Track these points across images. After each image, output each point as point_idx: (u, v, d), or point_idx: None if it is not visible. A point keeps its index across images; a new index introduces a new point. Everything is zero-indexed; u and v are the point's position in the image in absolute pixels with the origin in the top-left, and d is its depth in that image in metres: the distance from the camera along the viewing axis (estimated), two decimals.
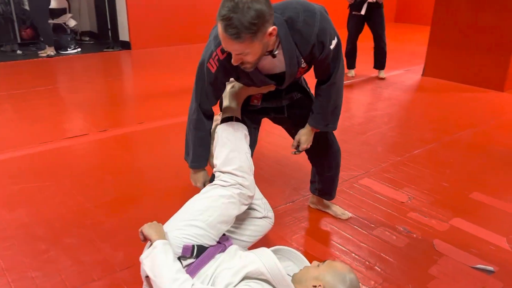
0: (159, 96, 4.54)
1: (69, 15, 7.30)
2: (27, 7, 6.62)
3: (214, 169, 1.72)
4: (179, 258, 1.51)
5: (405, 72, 5.90)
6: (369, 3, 4.99)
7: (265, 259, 1.44)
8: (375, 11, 5.06)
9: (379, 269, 1.95)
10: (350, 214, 2.38)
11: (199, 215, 1.56)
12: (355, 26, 5.24)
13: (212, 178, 1.78)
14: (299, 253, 1.68)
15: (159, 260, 1.43)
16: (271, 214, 1.86)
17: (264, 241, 2.09)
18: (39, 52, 6.55)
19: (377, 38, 5.30)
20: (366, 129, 3.72)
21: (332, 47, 1.70)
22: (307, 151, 2.13)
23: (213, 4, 5.41)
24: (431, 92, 4.97)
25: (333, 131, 2.11)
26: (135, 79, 5.67)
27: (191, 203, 1.64)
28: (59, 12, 7.24)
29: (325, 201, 2.39)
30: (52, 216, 2.30)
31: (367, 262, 2.00)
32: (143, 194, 2.57)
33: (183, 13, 7.07)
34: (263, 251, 1.49)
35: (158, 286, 1.40)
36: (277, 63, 1.68)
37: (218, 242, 1.63)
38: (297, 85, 1.94)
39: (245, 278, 1.44)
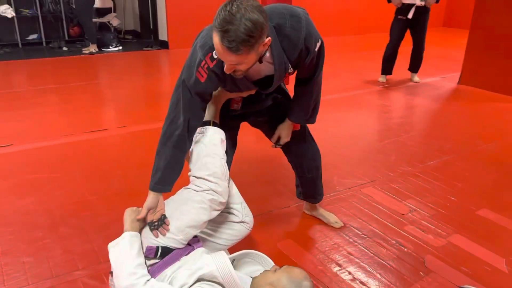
0: None
1: (113, 14, 7.62)
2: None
3: (189, 173, 1.74)
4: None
5: (441, 79, 5.67)
6: (417, 6, 4.85)
7: (219, 263, 1.45)
8: (422, 15, 4.93)
9: (359, 282, 1.91)
10: (342, 223, 2.33)
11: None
12: (399, 32, 5.12)
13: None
14: (268, 258, 1.68)
15: (122, 251, 1.49)
16: (248, 219, 1.86)
17: (248, 244, 2.10)
18: (83, 49, 6.89)
19: (417, 42, 5.17)
20: (384, 136, 3.62)
21: (316, 49, 1.70)
22: (286, 152, 2.15)
23: None
24: (463, 101, 4.75)
25: (310, 133, 2.14)
26: (169, 78, 5.82)
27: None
28: (104, 11, 7.58)
29: (317, 207, 2.37)
30: (54, 206, 2.43)
31: (348, 274, 1.96)
32: (146, 191, 2.64)
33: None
34: (219, 254, 1.50)
35: (117, 277, 1.45)
36: (262, 68, 1.68)
37: (188, 244, 1.66)
38: (278, 88, 1.93)
39: (199, 279, 1.46)
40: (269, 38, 1.47)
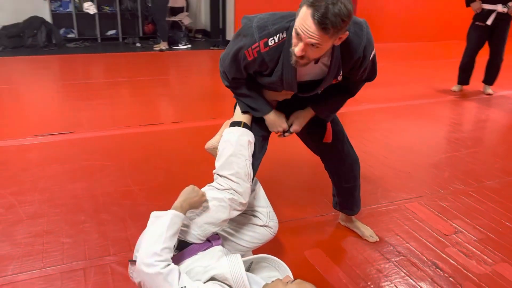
0: None
1: (186, 13, 7.90)
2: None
3: (214, 170, 1.76)
4: None
5: None
6: (498, 13, 4.54)
7: (232, 266, 1.45)
8: (502, 22, 4.60)
9: None
10: (377, 238, 2.23)
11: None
12: (476, 39, 4.82)
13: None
14: (285, 265, 1.65)
15: (160, 228, 1.47)
16: (272, 223, 1.84)
17: (275, 248, 2.09)
18: (154, 46, 7.22)
19: (495, 52, 4.83)
20: (441, 150, 3.41)
21: (371, 58, 1.67)
22: (323, 159, 2.08)
23: None
24: None
25: (349, 141, 2.06)
26: (215, 79, 5.93)
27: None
28: (177, 10, 7.89)
29: (354, 219, 2.29)
30: (100, 193, 2.57)
31: None
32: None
33: None
34: (234, 257, 1.50)
35: (142, 248, 1.43)
36: (313, 70, 1.64)
37: (208, 240, 1.67)
38: (316, 96, 1.86)
39: (212, 278, 1.47)
40: (347, 32, 1.45)
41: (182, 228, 1.61)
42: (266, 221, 1.82)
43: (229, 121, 1.90)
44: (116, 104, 4.28)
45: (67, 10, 7.32)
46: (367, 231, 2.25)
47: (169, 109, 4.33)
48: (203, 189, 1.72)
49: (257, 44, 1.55)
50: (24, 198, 2.49)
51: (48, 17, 7.19)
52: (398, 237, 2.27)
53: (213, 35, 8.10)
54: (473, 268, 2.04)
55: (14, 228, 2.21)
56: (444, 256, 2.12)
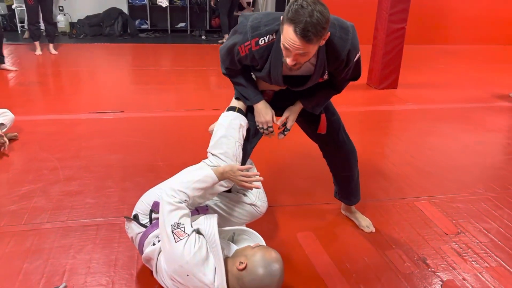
0: None
1: (251, 8, 8.14)
2: None
3: (207, 149, 1.93)
4: (151, 211, 1.81)
5: None
6: None
7: (207, 222, 1.62)
8: None
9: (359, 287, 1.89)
10: (373, 229, 2.29)
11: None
12: None
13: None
14: (261, 238, 1.79)
15: (190, 176, 1.69)
16: (260, 203, 1.96)
17: (272, 227, 2.24)
18: (219, 40, 7.55)
19: None
20: (472, 153, 3.30)
21: (355, 60, 1.78)
22: (321, 148, 2.18)
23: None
24: None
25: (345, 131, 2.14)
26: None
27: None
28: (244, 5, 8.16)
29: (353, 209, 2.36)
30: (130, 164, 2.87)
31: (352, 278, 1.94)
32: None
33: (354, 15, 7.13)
34: (210, 216, 1.66)
35: (173, 181, 1.70)
36: (302, 67, 1.75)
37: (196, 210, 1.85)
38: (311, 90, 1.96)
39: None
40: (329, 33, 1.59)
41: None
42: (255, 200, 1.95)
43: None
44: (168, 90, 4.62)
45: (142, 2, 7.90)
46: (364, 222, 2.31)
47: (215, 97, 4.58)
48: (198, 165, 1.90)
49: (249, 42, 1.70)
50: (66, 163, 2.85)
51: (125, 9, 7.81)
52: (396, 230, 2.30)
53: None
54: (464, 268, 2.03)
55: (52, 187, 2.57)
56: (436, 253, 2.12)
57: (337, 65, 1.75)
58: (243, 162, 1.95)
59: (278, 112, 2.05)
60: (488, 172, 3.01)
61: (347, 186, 2.25)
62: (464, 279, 1.95)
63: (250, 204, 1.95)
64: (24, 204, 2.38)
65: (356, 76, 1.91)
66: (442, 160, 3.17)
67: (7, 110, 3.17)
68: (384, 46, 4.70)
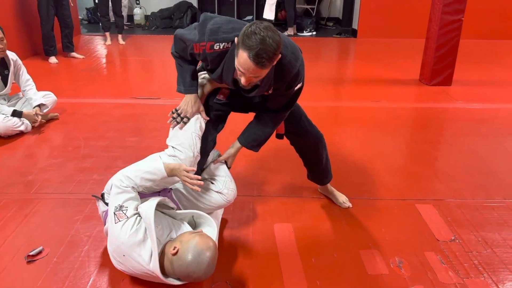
0: (340, 83, 4.74)
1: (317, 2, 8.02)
2: None
3: (166, 141, 1.97)
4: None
5: None
6: None
7: (145, 208, 1.69)
8: None
9: (319, 284, 1.83)
10: (350, 204, 2.35)
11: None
12: None
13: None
14: (214, 222, 1.83)
15: (142, 166, 1.79)
16: (227, 191, 1.97)
17: (251, 215, 2.26)
18: (284, 32, 7.56)
19: None
20: (510, 160, 2.98)
21: (296, 88, 1.86)
22: (288, 137, 2.21)
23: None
24: None
25: (308, 119, 2.18)
26: (329, 64, 5.91)
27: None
28: None
29: (329, 187, 2.40)
30: (144, 147, 3.03)
31: (313, 271, 1.89)
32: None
33: (410, 7, 6.73)
34: (152, 200, 1.73)
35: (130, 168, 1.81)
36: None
37: (158, 192, 1.92)
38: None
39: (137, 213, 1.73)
40: (280, 55, 1.64)
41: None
42: (221, 188, 1.98)
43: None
44: None
45: None
46: (341, 198, 2.38)
47: None
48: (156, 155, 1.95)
49: (204, 43, 1.75)
50: (89, 143, 3.10)
51: (195, 2, 8.13)
52: (382, 230, 2.19)
53: (344, 24, 8.05)
54: (440, 276, 1.87)
55: (70, 163, 2.82)
56: (416, 258, 1.98)
57: (279, 85, 1.82)
58: (206, 152, 2.00)
59: (235, 109, 2.11)
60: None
61: (317, 169, 2.31)
62: (435, 286, 1.81)
63: (217, 192, 1.98)
64: (40, 176, 2.64)
65: (287, 107, 1.97)
66: (469, 163, 2.91)
67: (50, 92, 3.51)
68: (437, 39, 4.38)
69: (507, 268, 1.93)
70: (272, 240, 2.10)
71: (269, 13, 7.02)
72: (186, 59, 1.88)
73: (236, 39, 1.62)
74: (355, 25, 7.31)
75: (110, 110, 3.78)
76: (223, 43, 1.72)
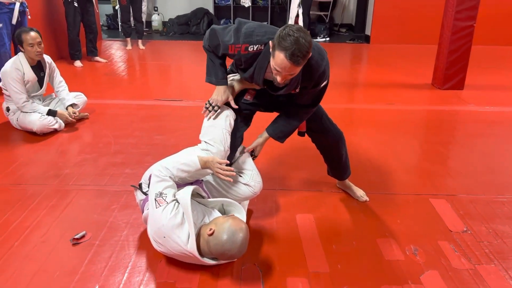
0: (351, 86, 4.90)
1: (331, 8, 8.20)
2: None
3: (199, 136, 2.15)
4: (149, 181, 2.08)
5: None
6: None
7: (182, 195, 1.86)
8: None
9: (340, 267, 1.99)
10: (367, 198, 2.50)
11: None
12: None
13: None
14: (243, 210, 1.99)
15: (179, 158, 1.96)
16: (253, 184, 2.14)
17: (275, 206, 2.42)
18: None
19: None
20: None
21: (322, 85, 2.03)
22: (309, 135, 2.37)
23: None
24: None
25: (328, 118, 2.35)
26: (340, 70, 6.06)
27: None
28: (325, 4, 8.24)
29: (347, 182, 2.55)
30: (171, 144, 3.21)
31: (334, 256, 2.05)
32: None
33: (422, 14, 6.87)
34: (188, 188, 1.90)
35: (175, 158, 1.98)
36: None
37: (191, 183, 2.09)
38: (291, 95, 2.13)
39: (175, 199, 1.89)
40: (310, 53, 1.80)
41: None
42: (249, 180, 2.15)
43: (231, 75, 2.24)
44: None
45: (227, 3, 8.38)
46: (359, 192, 2.52)
47: None
48: (191, 149, 2.12)
49: (239, 45, 1.93)
50: (119, 140, 3.29)
51: (211, 9, 8.36)
52: (398, 221, 2.33)
53: (357, 30, 8.21)
54: (453, 263, 2.01)
55: (102, 158, 3.01)
56: (431, 246, 2.13)
57: (307, 83, 1.98)
58: (234, 147, 2.17)
59: (260, 109, 2.28)
60: None
61: (337, 165, 2.47)
62: (448, 273, 1.95)
63: (245, 184, 2.15)
64: (76, 169, 2.83)
65: (314, 103, 2.14)
66: (480, 162, 3.04)
67: (81, 93, 3.72)
68: (449, 45, 4.52)
69: None
70: (295, 228, 2.26)
71: None
72: (217, 54, 2.05)
73: (271, 42, 1.80)
74: (368, 31, 7.47)
75: (135, 110, 3.98)
76: (257, 45, 1.90)
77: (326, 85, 2.06)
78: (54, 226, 2.23)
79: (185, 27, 8.25)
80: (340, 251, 2.08)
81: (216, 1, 8.39)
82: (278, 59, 1.75)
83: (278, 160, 3.00)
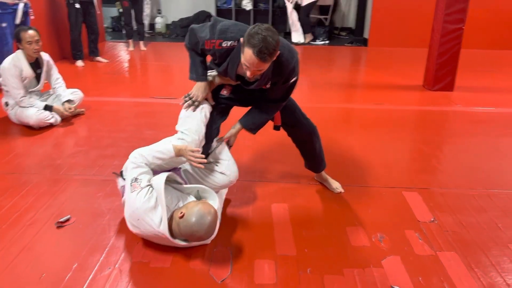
0: (347, 87, 5.02)
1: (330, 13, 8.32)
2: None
3: (175, 126, 2.27)
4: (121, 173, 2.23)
5: None
6: None
7: (156, 180, 1.98)
8: None
9: (306, 251, 2.10)
10: (342, 190, 2.61)
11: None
12: None
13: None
14: (216, 196, 2.11)
15: (155, 147, 2.10)
16: (229, 173, 2.26)
17: (251, 196, 2.53)
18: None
19: None
20: (498, 156, 3.19)
21: (291, 81, 2.15)
22: (285, 129, 2.49)
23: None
24: None
25: (301, 112, 2.45)
26: (333, 71, 6.17)
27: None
28: (326, 8, 8.37)
29: (324, 175, 2.67)
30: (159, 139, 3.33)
31: (303, 241, 2.16)
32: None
33: (417, 19, 6.96)
34: (163, 174, 2.02)
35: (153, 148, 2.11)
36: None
37: (169, 170, 2.22)
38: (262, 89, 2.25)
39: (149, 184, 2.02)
40: (278, 52, 1.95)
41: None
42: (224, 169, 2.27)
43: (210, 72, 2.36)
44: None
45: (229, 6, 8.54)
46: (334, 184, 2.64)
47: None
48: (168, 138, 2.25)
49: (214, 40, 2.06)
50: (111, 134, 3.43)
51: (213, 12, 8.52)
52: (369, 211, 2.43)
53: (357, 33, 8.31)
54: (416, 249, 2.11)
55: (93, 150, 3.15)
56: (397, 234, 2.23)
57: (277, 79, 2.11)
58: (211, 138, 2.29)
59: (236, 103, 2.40)
60: (502, 174, 2.92)
61: (312, 157, 2.58)
62: (409, 258, 2.05)
63: (221, 173, 2.27)
64: (68, 160, 2.98)
65: (284, 98, 2.26)
66: (459, 160, 3.13)
67: (78, 90, 3.88)
68: (438, 47, 4.61)
69: (477, 246, 2.16)
70: (269, 216, 2.37)
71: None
72: (197, 52, 2.18)
73: (241, 39, 1.92)
74: (366, 35, 7.57)
75: (130, 107, 4.13)
76: (230, 42, 2.02)
77: (295, 81, 2.18)
78: (41, 211, 2.37)
79: (187, 30, 8.39)
80: (309, 237, 2.19)
81: (218, 5, 8.55)
82: (247, 55, 1.88)
83: (260, 154, 3.12)
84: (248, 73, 1.96)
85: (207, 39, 2.07)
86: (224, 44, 2.04)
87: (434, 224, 2.33)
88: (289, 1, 7.56)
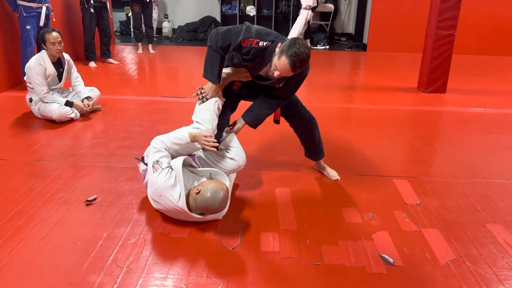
0: (345, 89, 5.32)
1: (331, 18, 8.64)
2: None
3: (192, 117, 2.57)
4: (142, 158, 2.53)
5: None
6: None
7: (175, 162, 2.28)
8: None
9: (306, 226, 2.38)
10: (339, 177, 2.89)
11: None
12: None
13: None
14: (227, 178, 2.40)
15: (174, 134, 2.40)
16: (238, 158, 2.56)
17: (257, 182, 2.82)
18: None
19: None
20: (483, 150, 3.48)
21: (299, 79, 2.47)
22: (287, 120, 2.78)
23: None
24: None
25: (302, 105, 2.75)
26: (332, 74, 6.47)
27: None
28: (326, 15, 8.69)
29: (322, 164, 2.97)
30: None
31: (302, 219, 2.45)
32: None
33: (414, 25, 7.27)
34: (180, 157, 2.32)
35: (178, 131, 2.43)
36: (268, 73, 2.43)
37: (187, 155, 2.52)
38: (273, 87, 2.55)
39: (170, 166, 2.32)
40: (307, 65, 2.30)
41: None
42: (234, 155, 2.57)
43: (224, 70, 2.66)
44: None
45: (234, 12, 8.86)
46: (332, 172, 2.93)
47: None
48: (185, 127, 2.54)
49: (252, 39, 2.35)
50: (128, 129, 3.73)
51: (218, 17, 8.85)
52: (361, 196, 2.72)
53: (356, 39, 8.64)
54: (403, 226, 2.40)
55: (112, 142, 3.45)
56: (386, 214, 2.51)
57: (291, 81, 2.43)
58: (222, 128, 2.59)
59: (243, 98, 2.69)
60: (484, 166, 3.21)
61: (311, 146, 2.86)
62: (396, 233, 2.33)
63: (230, 158, 2.56)
64: (89, 151, 3.27)
65: (288, 97, 2.57)
66: (447, 153, 3.42)
67: (95, 88, 4.18)
68: (431, 52, 4.92)
69: (457, 224, 2.44)
70: (273, 198, 2.66)
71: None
72: (220, 54, 2.43)
73: (280, 44, 2.23)
74: (365, 40, 7.89)
75: (143, 105, 4.43)
76: (266, 42, 2.32)
77: (301, 82, 2.50)
78: (70, 192, 2.66)
79: (193, 34, 8.74)
80: (308, 215, 2.48)
81: (223, 10, 8.88)
82: (282, 63, 2.19)
83: (265, 147, 3.42)
84: (276, 73, 2.27)
85: (245, 37, 2.34)
86: (260, 44, 2.32)
87: (420, 207, 2.61)
88: (305, 8, 7.42)
